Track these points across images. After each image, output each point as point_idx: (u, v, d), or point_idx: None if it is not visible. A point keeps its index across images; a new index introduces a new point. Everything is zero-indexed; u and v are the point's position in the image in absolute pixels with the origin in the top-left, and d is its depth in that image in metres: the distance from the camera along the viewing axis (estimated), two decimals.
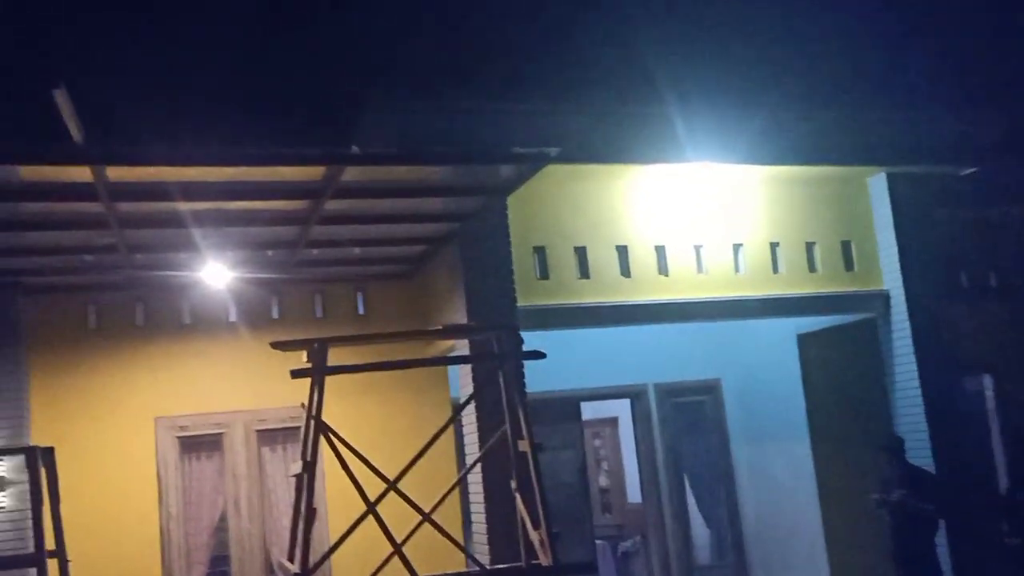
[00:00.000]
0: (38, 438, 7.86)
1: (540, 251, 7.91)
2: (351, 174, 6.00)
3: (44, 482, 6.49)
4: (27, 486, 7.32)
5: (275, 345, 5.69)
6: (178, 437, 8.53)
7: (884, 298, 9.03)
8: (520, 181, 6.75)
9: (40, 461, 6.13)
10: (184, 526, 8.47)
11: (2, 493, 7.57)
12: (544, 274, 7.90)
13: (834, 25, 8.82)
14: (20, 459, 7.57)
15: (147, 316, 8.54)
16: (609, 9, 7.58)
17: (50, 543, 6.34)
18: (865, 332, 9.19)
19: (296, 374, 5.54)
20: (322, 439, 5.51)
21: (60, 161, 5.20)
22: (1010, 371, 9.16)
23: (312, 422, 5.59)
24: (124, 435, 8.33)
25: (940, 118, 8.78)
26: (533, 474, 5.79)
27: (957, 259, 9.14)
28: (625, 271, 8.16)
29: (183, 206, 6.25)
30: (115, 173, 5.63)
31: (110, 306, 8.45)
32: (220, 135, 5.41)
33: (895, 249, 8.93)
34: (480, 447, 7.22)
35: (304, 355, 5.69)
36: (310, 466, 5.56)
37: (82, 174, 5.49)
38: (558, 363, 6.26)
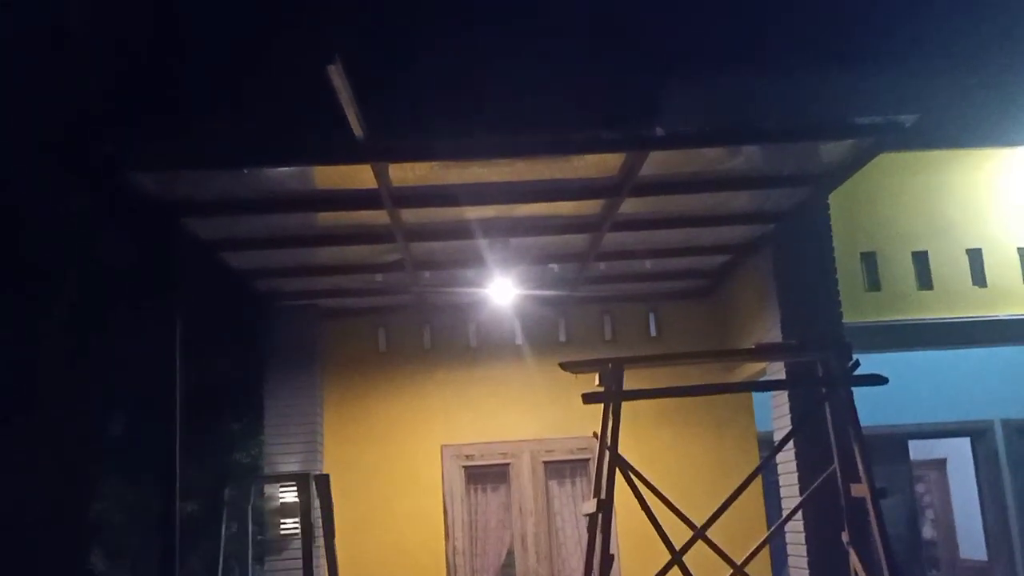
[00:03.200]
0: (330, 464, 7.80)
1: (869, 257, 6.92)
2: (650, 166, 5.22)
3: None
4: (319, 512, 7.20)
5: (565, 366, 5.33)
6: (464, 467, 8.17)
7: None
8: (854, 167, 5.63)
9: (314, 490, 5.79)
10: (471, 562, 8.05)
11: (292, 520, 7.46)
12: (874, 284, 6.87)
13: None
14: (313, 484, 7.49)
15: (434, 339, 8.33)
16: None
17: None
18: None
19: (588, 398, 5.19)
20: (618, 473, 5.04)
21: (342, 159, 4.89)
22: None
23: (607, 453, 5.11)
24: (412, 463, 8.12)
25: None
26: (874, 525, 5.07)
27: None
28: (979, 280, 6.91)
29: (468, 212, 5.83)
30: (397, 176, 5.30)
31: (399, 328, 8.35)
32: (508, 122, 4.87)
33: None
34: (800, 490, 6.21)
35: (596, 378, 5.29)
36: (605, 505, 5.08)
37: (365, 178, 5.19)
38: (882, 392, 5.27)
